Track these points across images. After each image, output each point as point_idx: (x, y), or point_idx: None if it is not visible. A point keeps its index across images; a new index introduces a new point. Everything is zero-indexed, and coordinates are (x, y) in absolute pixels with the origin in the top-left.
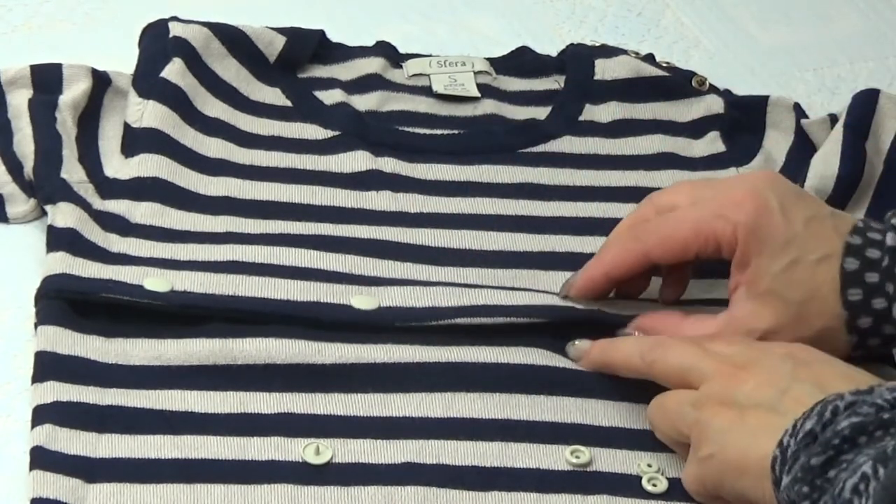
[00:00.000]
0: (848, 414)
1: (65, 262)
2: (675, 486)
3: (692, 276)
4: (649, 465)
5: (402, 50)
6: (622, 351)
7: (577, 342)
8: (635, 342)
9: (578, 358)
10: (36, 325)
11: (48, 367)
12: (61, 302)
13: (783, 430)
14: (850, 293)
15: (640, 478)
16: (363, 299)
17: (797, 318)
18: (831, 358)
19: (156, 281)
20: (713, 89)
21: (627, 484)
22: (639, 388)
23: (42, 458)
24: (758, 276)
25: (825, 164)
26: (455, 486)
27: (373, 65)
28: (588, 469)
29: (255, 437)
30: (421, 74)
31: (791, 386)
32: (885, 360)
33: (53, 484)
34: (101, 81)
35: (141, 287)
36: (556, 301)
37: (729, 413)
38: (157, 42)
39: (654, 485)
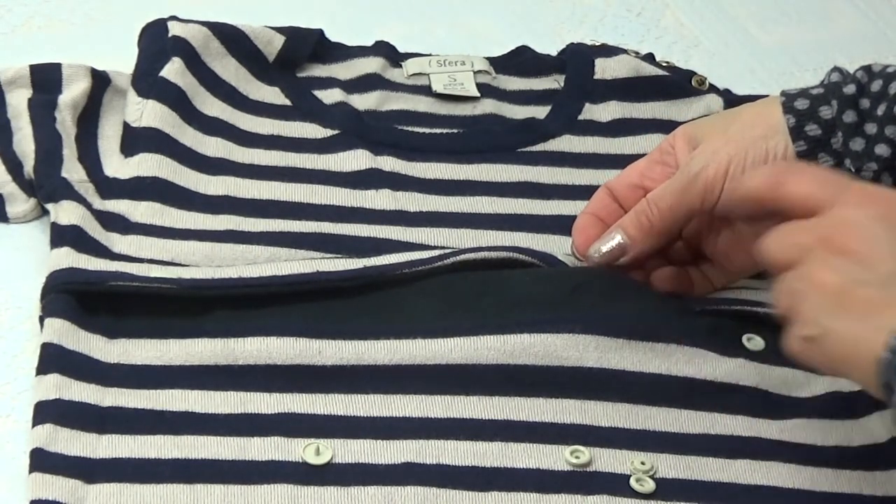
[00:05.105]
0: None
1: (70, 258)
2: (663, 487)
3: None
4: (643, 463)
5: (401, 49)
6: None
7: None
8: (763, 170)
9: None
10: (42, 319)
11: (53, 359)
12: (68, 296)
13: (893, 322)
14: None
15: (630, 476)
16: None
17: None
18: None
19: (162, 270)
20: (713, 89)
21: (626, 484)
22: (639, 389)
23: (42, 460)
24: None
25: None
26: (455, 486)
27: (372, 64)
28: (588, 469)
29: (255, 438)
30: (420, 74)
31: None
32: None
33: (53, 485)
34: (100, 81)
35: (148, 276)
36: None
37: (831, 287)
38: (157, 41)
39: (642, 484)
